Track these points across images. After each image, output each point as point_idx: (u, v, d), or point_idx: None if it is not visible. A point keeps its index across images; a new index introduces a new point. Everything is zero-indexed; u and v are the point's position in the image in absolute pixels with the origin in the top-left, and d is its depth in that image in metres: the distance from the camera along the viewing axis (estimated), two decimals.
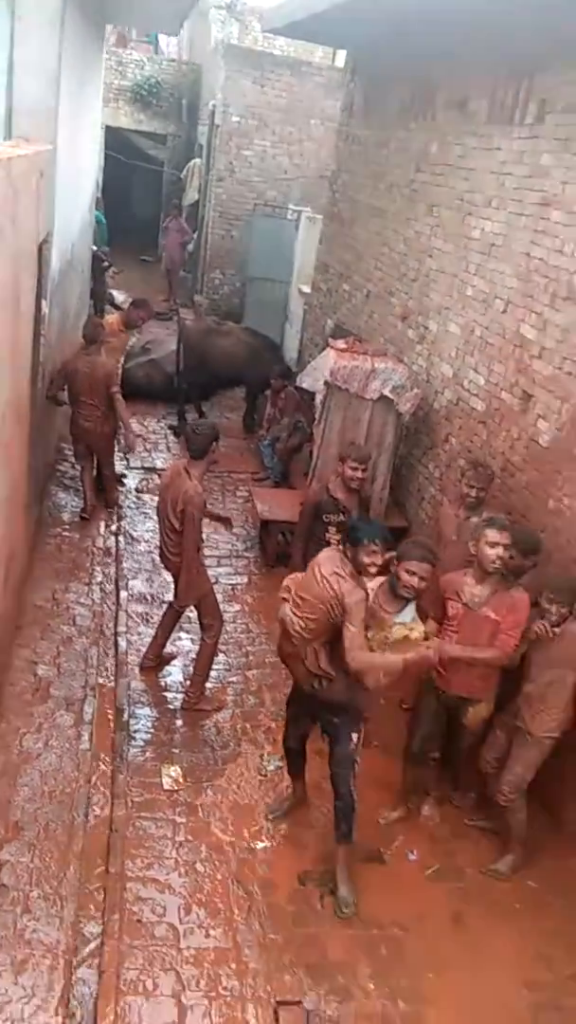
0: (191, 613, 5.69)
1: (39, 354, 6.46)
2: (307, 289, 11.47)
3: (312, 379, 6.99)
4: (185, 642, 6.00)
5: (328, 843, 4.33)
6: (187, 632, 6.03)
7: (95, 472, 7.82)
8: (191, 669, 5.59)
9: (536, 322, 5.42)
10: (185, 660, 5.83)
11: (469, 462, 5.75)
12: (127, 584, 6.69)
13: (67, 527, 7.43)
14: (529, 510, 5.31)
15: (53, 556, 6.91)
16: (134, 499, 8.22)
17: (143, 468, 8.94)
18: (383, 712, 5.29)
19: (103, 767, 4.77)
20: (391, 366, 6.76)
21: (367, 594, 3.93)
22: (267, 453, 8.87)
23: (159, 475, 8.81)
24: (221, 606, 5.67)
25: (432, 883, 4.34)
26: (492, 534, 4.21)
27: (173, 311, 13.86)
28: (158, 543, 5.66)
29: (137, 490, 8.41)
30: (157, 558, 6.10)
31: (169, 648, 5.84)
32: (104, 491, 7.88)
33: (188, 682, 5.51)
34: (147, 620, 6.21)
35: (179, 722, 5.30)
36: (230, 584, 6.97)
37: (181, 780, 4.77)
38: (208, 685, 5.52)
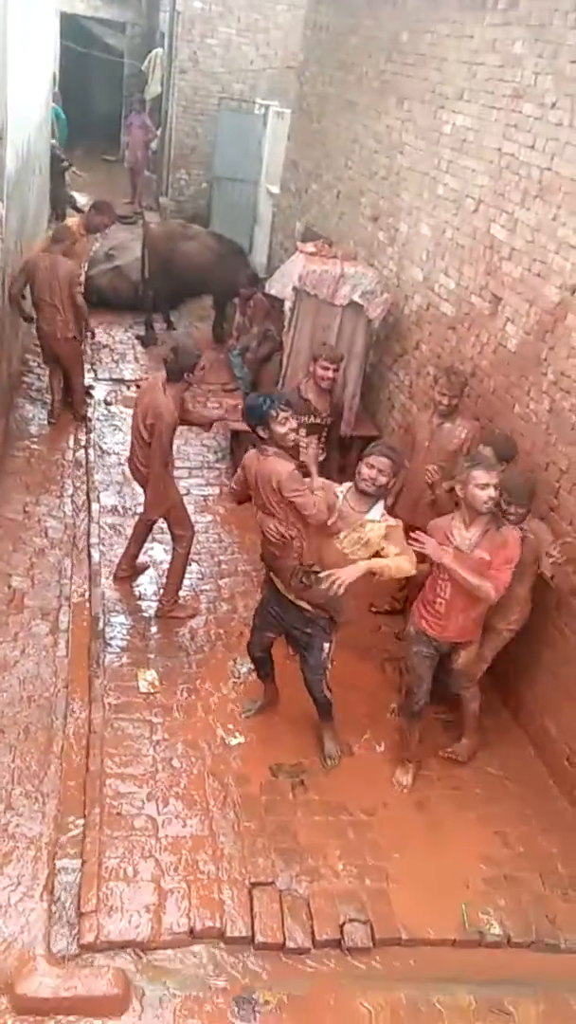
0: (163, 524, 5.73)
1: None
2: (276, 190, 11.08)
3: (280, 285, 6.83)
4: (158, 552, 6.06)
5: (298, 738, 4.52)
6: (160, 543, 6.08)
7: (63, 380, 7.70)
8: (164, 578, 5.67)
9: (506, 222, 5.31)
10: (158, 570, 5.90)
11: (442, 369, 5.72)
12: (98, 496, 6.69)
13: (35, 440, 7.36)
14: (497, 415, 5.34)
15: (22, 469, 6.87)
16: (103, 411, 8.13)
17: (111, 379, 8.81)
18: (355, 614, 5.39)
19: (80, 673, 4.88)
20: (361, 270, 6.62)
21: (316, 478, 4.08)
22: (237, 363, 8.74)
23: (128, 387, 8.70)
24: (193, 516, 5.72)
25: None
26: (480, 475, 4.05)
27: (138, 214, 13.36)
28: (127, 456, 5.63)
29: (106, 402, 8.30)
30: (127, 470, 6.09)
31: (142, 558, 5.90)
32: (72, 404, 7.78)
33: (162, 591, 5.60)
34: (119, 532, 6.24)
35: (154, 629, 5.41)
36: (202, 495, 6.99)
37: (157, 684, 4.91)
38: (182, 593, 5.61)
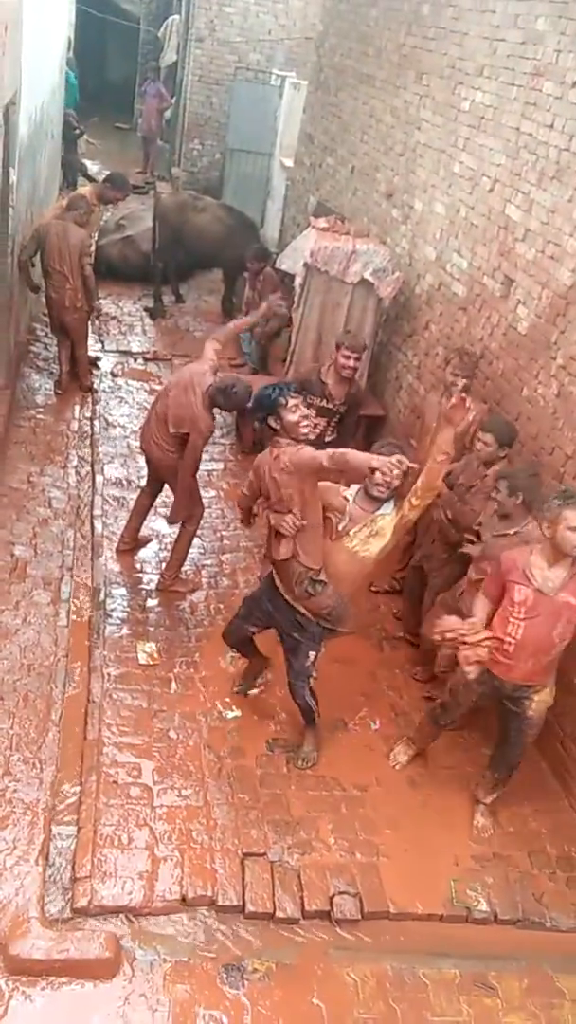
0: (167, 498, 5.74)
1: (7, 226, 6.21)
2: (290, 163, 10.95)
3: (292, 260, 6.79)
4: (161, 525, 6.07)
5: (295, 714, 4.55)
6: (162, 516, 6.10)
7: (70, 351, 7.68)
8: (166, 552, 5.69)
9: (522, 202, 5.25)
10: (161, 543, 5.92)
11: (454, 349, 5.67)
12: (103, 468, 6.69)
13: (41, 409, 7.36)
14: (504, 398, 5.31)
15: (27, 439, 6.87)
16: (109, 383, 8.11)
17: (118, 351, 8.77)
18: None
19: (80, 643, 4.92)
20: (373, 248, 6.57)
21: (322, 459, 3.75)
22: (245, 338, 8.70)
23: (135, 359, 8.68)
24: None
25: (391, 749, 4.59)
26: (573, 517, 3.57)
27: (149, 184, 13.25)
28: (141, 427, 5.59)
29: (112, 374, 8.27)
30: (133, 443, 6.08)
31: (144, 531, 5.91)
32: (78, 375, 7.76)
33: (164, 564, 5.62)
34: (123, 504, 6.25)
35: (154, 602, 5.44)
36: (206, 470, 6.95)
37: (156, 656, 4.94)
38: (183, 568, 5.63)
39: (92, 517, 6.07)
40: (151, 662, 4.90)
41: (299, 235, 7.22)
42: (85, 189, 8.41)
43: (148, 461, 5.53)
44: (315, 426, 4.97)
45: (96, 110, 17.01)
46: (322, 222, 6.79)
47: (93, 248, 8.08)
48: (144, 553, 5.86)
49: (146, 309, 9.81)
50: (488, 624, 3.89)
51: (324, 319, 6.68)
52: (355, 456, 3.70)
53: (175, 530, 5.62)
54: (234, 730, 4.54)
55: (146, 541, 5.92)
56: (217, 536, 6.20)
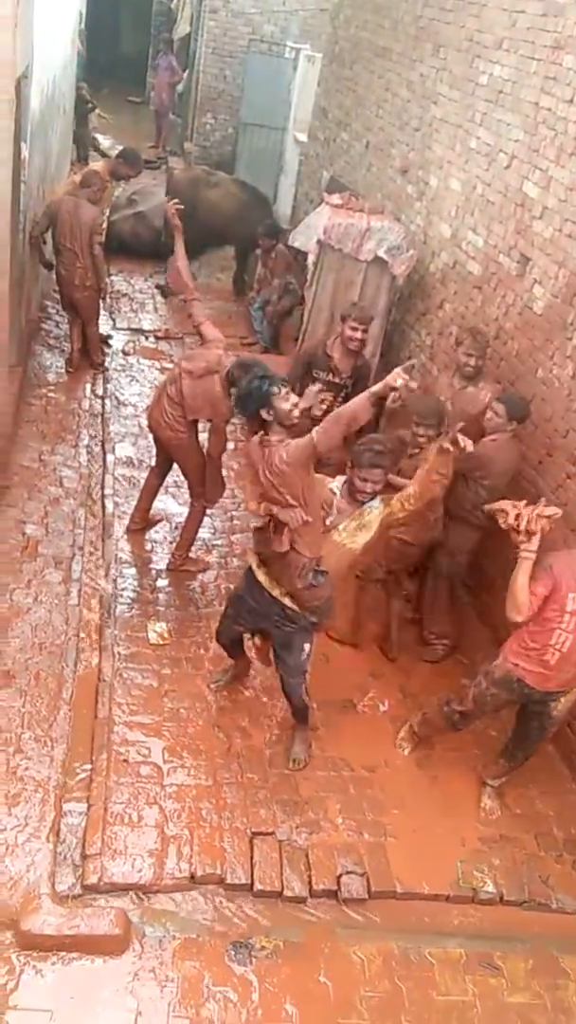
0: (177, 477, 5.73)
1: (19, 202, 6.15)
2: (303, 138, 10.81)
3: (305, 238, 6.71)
4: (172, 505, 6.06)
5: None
6: (172, 496, 6.09)
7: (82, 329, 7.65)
8: (176, 531, 5.69)
9: (540, 179, 5.16)
10: (171, 523, 5.92)
11: (465, 330, 5.60)
12: (113, 448, 6.68)
13: (52, 388, 7.34)
14: (518, 379, 5.25)
15: (39, 418, 6.87)
16: (121, 361, 8.08)
17: (130, 329, 8.73)
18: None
19: (92, 622, 4.94)
20: (387, 225, 6.49)
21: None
22: (257, 317, 8.64)
23: (147, 336, 8.63)
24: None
25: (399, 731, 4.60)
26: None
27: (162, 159, 13.12)
28: (149, 407, 5.56)
29: (124, 352, 8.24)
30: (143, 422, 6.06)
31: (155, 511, 5.91)
32: (88, 352, 7.73)
33: (175, 544, 5.62)
34: (134, 483, 6.24)
35: (165, 582, 5.45)
36: None
37: (166, 635, 4.96)
38: (193, 547, 5.63)
39: (103, 496, 6.07)
40: (161, 642, 4.92)
41: (312, 211, 7.13)
42: (98, 165, 8.33)
43: (157, 441, 5.50)
44: (322, 401, 4.87)
45: (108, 83, 16.81)
46: (336, 198, 6.70)
47: (104, 226, 8.02)
48: (154, 533, 5.87)
49: (158, 287, 9.74)
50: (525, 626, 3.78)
51: (337, 297, 6.61)
52: (345, 410, 3.57)
53: (185, 510, 5.61)
54: (244, 710, 4.56)
55: (157, 521, 5.93)
56: (227, 516, 6.20)
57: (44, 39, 6.82)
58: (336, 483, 4.10)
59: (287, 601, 3.91)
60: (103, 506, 5.97)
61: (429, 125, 6.83)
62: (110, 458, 6.52)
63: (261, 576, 3.97)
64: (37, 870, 3.62)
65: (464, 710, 4.11)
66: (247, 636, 4.43)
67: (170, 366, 6.97)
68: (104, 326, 8.26)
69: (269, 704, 4.63)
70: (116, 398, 7.40)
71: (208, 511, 5.70)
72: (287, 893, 3.72)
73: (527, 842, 4.16)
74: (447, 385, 5.32)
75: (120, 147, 8.71)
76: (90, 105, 12.57)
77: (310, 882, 3.77)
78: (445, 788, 4.34)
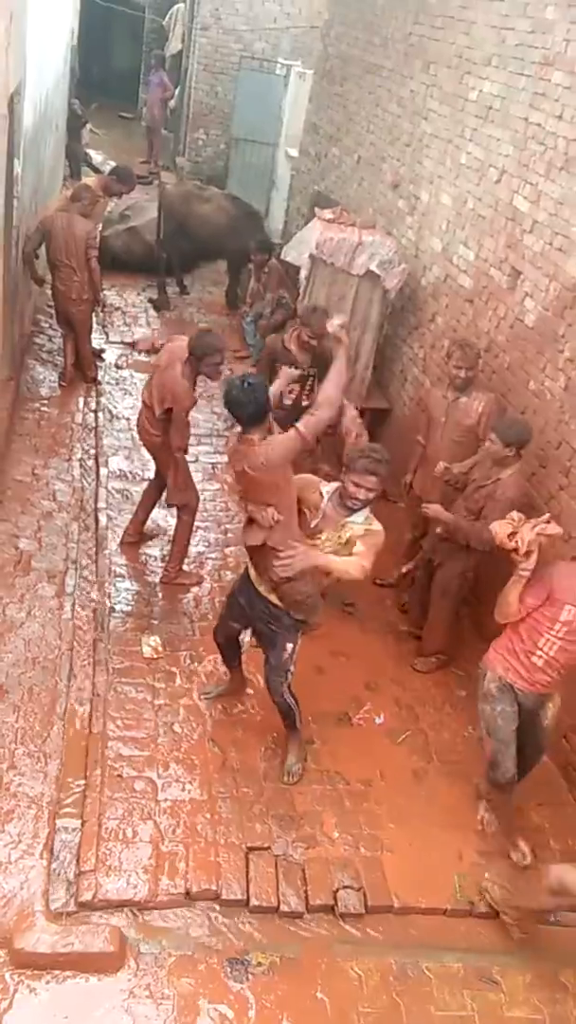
0: None
1: (12, 217, 6.17)
2: (295, 153, 10.89)
3: (297, 252, 6.75)
4: (166, 519, 6.05)
5: (303, 706, 4.54)
6: (168, 510, 6.08)
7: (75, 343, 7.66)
8: (170, 545, 5.68)
9: (530, 193, 5.21)
10: (165, 537, 5.91)
11: (455, 342, 5.63)
12: (107, 461, 6.68)
13: (45, 402, 7.34)
14: (510, 391, 5.28)
15: (31, 432, 6.86)
16: (114, 375, 8.08)
17: (122, 343, 8.74)
18: (359, 586, 5.35)
19: (85, 636, 4.92)
20: (379, 239, 6.53)
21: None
22: (249, 330, 8.66)
23: (139, 351, 8.64)
24: (201, 485, 5.71)
25: (396, 744, 4.59)
26: None
27: (154, 174, 13.17)
28: (137, 418, 5.59)
29: (117, 366, 8.25)
30: (137, 435, 6.07)
31: (149, 525, 5.90)
32: (81, 367, 7.74)
33: (168, 557, 5.61)
34: (127, 497, 6.24)
35: (158, 595, 5.43)
36: (210, 463, 6.97)
37: (160, 649, 4.94)
38: (187, 561, 5.62)
39: (96, 510, 6.06)
40: (155, 655, 4.89)
41: (303, 226, 7.18)
42: (90, 180, 8.37)
43: (145, 449, 5.53)
44: (290, 392, 5.09)
45: (100, 99, 16.91)
46: (328, 213, 6.74)
47: (98, 239, 8.04)
48: (148, 547, 5.85)
49: (150, 300, 9.76)
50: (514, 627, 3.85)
51: (329, 311, 6.62)
52: (323, 393, 3.78)
53: None
54: (238, 724, 4.54)
55: (152, 534, 5.91)
56: (221, 529, 6.19)
57: (37, 56, 6.87)
58: (328, 488, 4.11)
59: (272, 598, 3.98)
60: (96, 519, 5.96)
61: (420, 140, 6.90)
62: (103, 471, 6.52)
63: (252, 572, 4.08)
64: (31, 887, 3.58)
65: (492, 749, 3.99)
66: (246, 637, 4.48)
67: None
68: (97, 340, 8.27)
69: (264, 718, 4.60)
70: (109, 411, 7.40)
71: (202, 524, 5.69)
72: (283, 908, 3.69)
73: None
74: (440, 398, 5.33)
75: (112, 162, 8.75)
76: (82, 121, 12.63)
77: (306, 897, 3.75)
78: (442, 801, 4.32)
